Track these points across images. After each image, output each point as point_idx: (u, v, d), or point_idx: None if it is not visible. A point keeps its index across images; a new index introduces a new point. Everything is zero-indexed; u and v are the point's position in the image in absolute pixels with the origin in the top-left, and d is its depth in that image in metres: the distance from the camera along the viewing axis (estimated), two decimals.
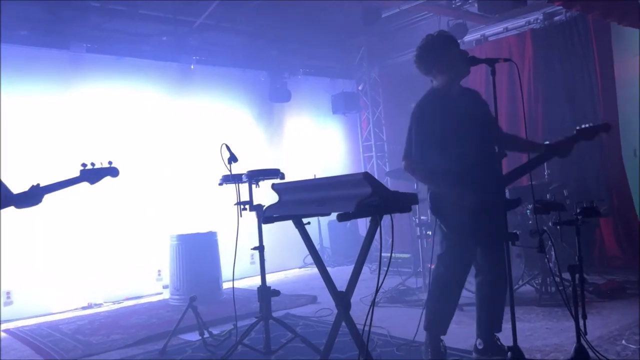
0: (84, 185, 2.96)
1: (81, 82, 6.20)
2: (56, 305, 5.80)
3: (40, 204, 2.74)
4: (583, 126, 3.05)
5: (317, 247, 3.93)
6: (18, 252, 5.46)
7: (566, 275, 2.80)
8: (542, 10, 6.34)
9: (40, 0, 5.51)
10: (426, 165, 2.96)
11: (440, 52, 3.03)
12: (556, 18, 6.28)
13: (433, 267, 3.23)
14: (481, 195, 2.80)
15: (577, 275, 2.64)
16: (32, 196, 2.69)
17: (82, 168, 2.89)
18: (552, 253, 4.34)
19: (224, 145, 3.50)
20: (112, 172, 3.00)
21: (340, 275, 2.56)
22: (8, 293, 5.43)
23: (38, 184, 2.72)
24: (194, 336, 4.08)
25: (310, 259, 6.78)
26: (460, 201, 2.79)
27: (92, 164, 2.92)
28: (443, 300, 3.14)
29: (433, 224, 3.09)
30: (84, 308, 5.90)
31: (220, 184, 3.80)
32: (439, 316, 3.14)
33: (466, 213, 2.80)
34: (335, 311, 2.45)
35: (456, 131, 2.95)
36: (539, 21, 6.43)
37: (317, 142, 8.63)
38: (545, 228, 4.16)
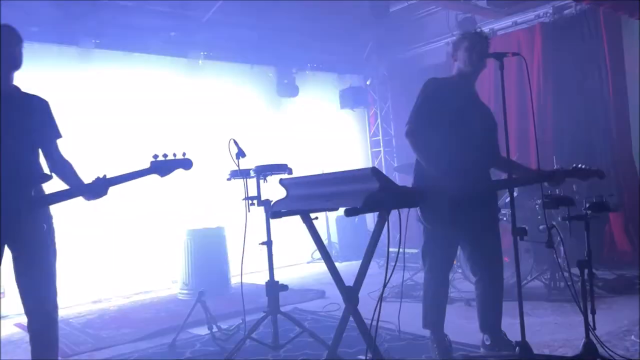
0: (154, 177, 2.77)
1: (90, 77, 6.23)
2: (67, 299, 5.85)
3: (105, 196, 2.65)
4: (580, 166, 3.05)
5: (325, 242, 3.94)
6: None
7: (575, 271, 2.79)
8: (552, 4, 6.29)
9: None
10: (428, 137, 2.94)
11: (460, 43, 3.09)
12: (566, 12, 6.22)
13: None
14: (465, 188, 2.79)
15: (586, 271, 2.63)
16: (97, 188, 2.61)
17: (152, 160, 2.71)
18: (561, 248, 4.32)
19: (232, 141, 3.51)
20: (186, 164, 2.80)
21: (349, 270, 2.57)
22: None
23: (104, 176, 2.63)
24: (202, 330, 4.11)
25: (318, 254, 6.80)
26: (444, 187, 2.76)
27: (165, 155, 2.72)
28: (433, 297, 3.16)
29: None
30: (94, 302, 5.95)
31: (229, 179, 3.81)
32: (433, 313, 3.17)
33: (447, 201, 2.78)
34: (343, 306, 2.45)
35: (455, 121, 2.96)
36: (548, 15, 6.37)
37: (325, 137, 8.61)
38: (554, 223, 4.15)
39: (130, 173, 2.70)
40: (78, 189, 2.68)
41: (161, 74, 6.77)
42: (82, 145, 6.16)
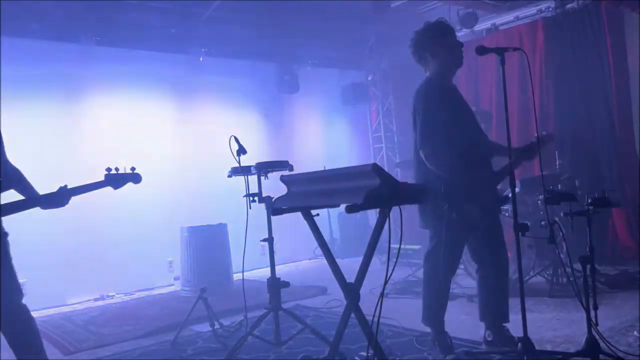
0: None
1: (91, 74, 6.22)
2: (69, 296, 5.87)
3: (65, 206, 2.69)
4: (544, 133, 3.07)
5: (327, 238, 3.93)
6: (32, 244, 5.51)
7: (577, 266, 2.78)
8: None
9: None
10: (446, 153, 2.90)
11: (433, 39, 3.04)
12: (568, 6, 6.18)
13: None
14: (488, 184, 2.81)
15: (588, 266, 2.62)
16: (59, 197, 2.65)
17: (106, 172, 2.87)
18: (563, 244, 4.31)
19: (233, 138, 3.50)
20: (135, 178, 2.98)
21: (350, 266, 2.57)
22: (22, 284, 5.48)
23: (65, 186, 2.68)
24: (204, 327, 4.11)
25: (320, 251, 6.81)
26: (477, 192, 2.77)
27: (117, 169, 2.89)
28: (435, 294, 3.15)
29: (427, 217, 3.01)
30: (96, 299, 5.97)
31: (230, 176, 3.80)
32: (433, 311, 3.16)
33: (479, 200, 2.80)
34: (345, 302, 2.45)
35: (460, 120, 2.95)
36: (550, 9, 6.34)
37: (326, 134, 8.61)
38: (556, 219, 4.14)
39: (88, 185, 2.80)
40: (35, 199, 2.66)
41: (162, 70, 6.76)
42: (84, 142, 6.18)
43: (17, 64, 5.57)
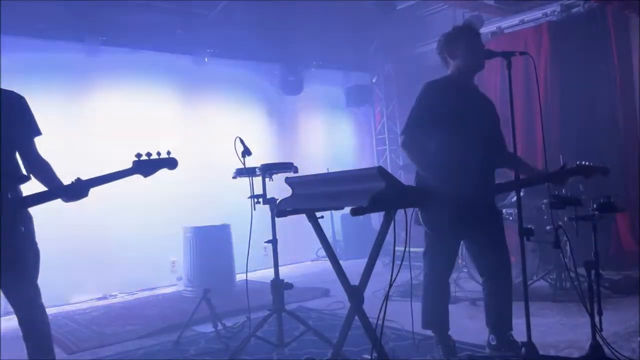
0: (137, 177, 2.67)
1: (96, 74, 6.25)
2: (72, 295, 5.88)
3: (85, 198, 2.56)
4: (584, 163, 2.98)
5: (330, 240, 3.92)
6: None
7: (581, 271, 2.77)
8: (560, 2, 6.24)
9: None
10: (424, 146, 2.92)
11: (455, 40, 3.04)
12: (574, 10, 6.17)
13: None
14: (467, 193, 2.73)
15: (592, 271, 2.61)
16: (77, 190, 2.53)
17: (135, 159, 2.62)
18: (568, 248, 4.30)
19: (238, 139, 3.50)
20: (170, 163, 2.70)
21: (353, 268, 2.56)
22: None
23: (78, 178, 2.56)
24: (207, 328, 4.11)
25: (323, 252, 6.79)
26: (445, 193, 2.72)
27: (148, 154, 2.62)
28: (432, 298, 3.15)
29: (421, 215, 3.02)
30: (98, 299, 5.98)
31: (234, 177, 3.80)
32: (433, 314, 3.15)
33: (447, 208, 2.74)
34: (348, 304, 2.45)
35: (456, 123, 2.90)
36: (556, 13, 6.32)
37: (330, 135, 8.61)
38: (560, 223, 4.12)
39: (112, 174, 2.60)
40: (57, 190, 2.58)
41: (167, 71, 6.78)
42: (88, 141, 6.19)
43: (23, 63, 5.60)
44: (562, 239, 2.90)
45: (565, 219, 4.31)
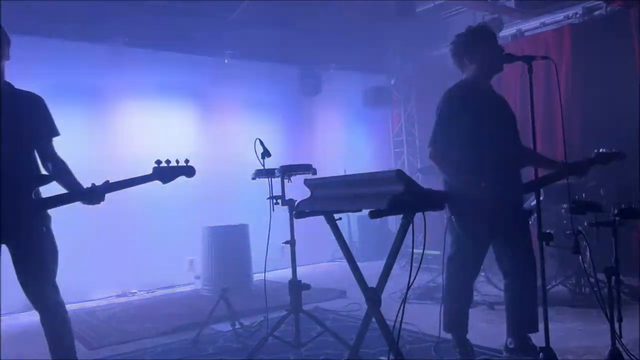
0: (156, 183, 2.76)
1: (118, 75, 6.33)
2: (92, 292, 5.98)
3: (101, 203, 2.64)
4: (601, 150, 3.07)
5: (346, 241, 3.93)
6: (58, 242, 5.64)
7: (601, 276, 2.75)
8: (582, 5, 6.17)
9: None
10: (453, 156, 2.94)
11: (474, 43, 3.03)
12: (596, 13, 6.10)
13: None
14: (502, 196, 2.76)
15: (613, 277, 2.59)
16: (94, 194, 2.60)
17: (155, 166, 2.71)
18: (587, 254, 4.26)
19: (258, 140, 3.54)
20: (188, 171, 2.81)
21: (369, 270, 2.58)
22: None
23: (107, 181, 2.63)
24: (225, 326, 4.16)
25: (339, 254, 6.80)
26: (481, 199, 2.74)
27: (167, 162, 2.72)
28: (457, 301, 3.14)
29: (447, 223, 3.06)
30: (118, 296, 6.07)
31: (253, 179, 3.84)
32: (455, 317, 3.14)
33: (484, 212, 2.77)
34: (364, 306, 2.46)
35: (483, 126, 2.93)
36: (578, 16, 6.25)
37: (347, 137, 8.62)
38: (580, 228, 4.08)
39: (131, 179, 2.68)
40: (76, 194, 2.64)
41: (187, 72, 6.86)
42: (109, 141, 6.30)
43: (48, 64, 5.72)
44: (581, 245, 2.88)
45: (585, 224, 4.29)
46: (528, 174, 3.22)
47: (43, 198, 2.64)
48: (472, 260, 3.09)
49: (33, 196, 2.59)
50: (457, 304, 3.14)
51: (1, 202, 2.46)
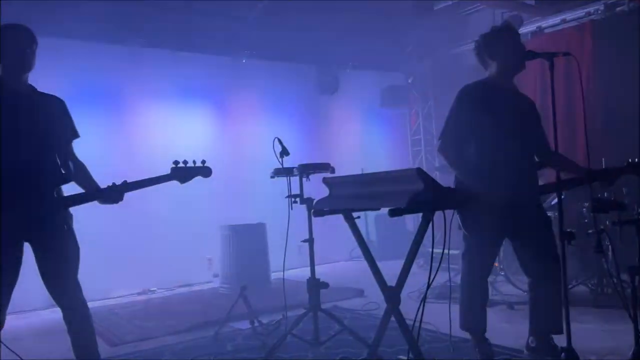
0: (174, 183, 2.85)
1: (136, 75, 6.42)
2: (113, 290, 6.07)
3: (120, 202, 2.71)
4: (632, 160, 2.95)
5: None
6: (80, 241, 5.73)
7: (624, 276, 2.71)
8: (603, 1, 6.07)
9: None
10: (459, 153, 2.94)
11: (495, 39, 3.01)
12: (618, 9, 5.99)
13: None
14: (506, 195, 2.72)
15: (637, 277, 2.55)
16: (112, 194, 2.67)
17: (173, 166, 2.80)
18: (610, 253, 4.19)
19: (277, 139, 3.56)
20: (205, 171, 2.90)
21: (386, 269, 2.57)
22: None
23: (124, 181, 2.70)
24: (244, 324, 4.18)
25: (357, 252, 6.80)
26: (484, 198, 2.70)
27: (185, 162, 2.82)
28: (470, 299, 3.12)
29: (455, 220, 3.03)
30: (138, 294, 6.15)
31: (272, 177, 3.86)
32: (471, 315, 3.12)
33: (487, 211, 2.74)
34: (382, 305, 2.46)
35: (495, 125, 2.90)
36: (599, 12, 6.14)
37: (365, 135, 8.61)
38: (602, 227, 4.03)
39: (149, 179, 2.76)
40: (95, 193, 2.72)
41: (205, 72, 6.91)
42: (126, 141, 6.38)
43: (68, 65, 5.81)
44: (604, 244, 2.84)
45: (607, 222, 4.22)
46: (550, 175, 3.19)
47: (64, 196, 2.71)
48: (480, 257, 3.06)
49: (55, 195, 2.64)
50: (470, 302, 3.11)
51: (25, 201, 2.52)
